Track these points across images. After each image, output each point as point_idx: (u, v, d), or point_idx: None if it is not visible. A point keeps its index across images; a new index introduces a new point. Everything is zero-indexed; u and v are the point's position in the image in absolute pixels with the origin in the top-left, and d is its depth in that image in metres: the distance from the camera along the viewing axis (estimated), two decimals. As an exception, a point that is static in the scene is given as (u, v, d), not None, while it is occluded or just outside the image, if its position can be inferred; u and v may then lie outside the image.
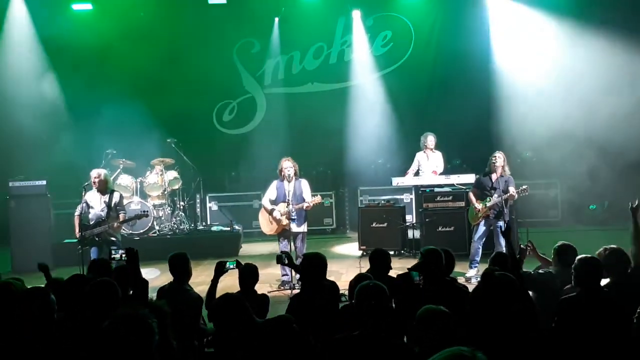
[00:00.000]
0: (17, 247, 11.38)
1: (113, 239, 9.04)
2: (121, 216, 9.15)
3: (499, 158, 9.36)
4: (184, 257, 5.80)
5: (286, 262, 6.65)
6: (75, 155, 12.73)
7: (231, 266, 5.76)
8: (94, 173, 9.27)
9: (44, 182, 11.61)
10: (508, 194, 9.02)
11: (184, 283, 5.75)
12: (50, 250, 11.35)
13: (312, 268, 5.40)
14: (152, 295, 5.69)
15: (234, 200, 14.20)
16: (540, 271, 5.77)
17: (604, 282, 4.91)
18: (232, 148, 14.69)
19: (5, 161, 13.10)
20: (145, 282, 4.91)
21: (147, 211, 10.34)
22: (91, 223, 9.05)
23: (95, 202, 9.14)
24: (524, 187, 9.15)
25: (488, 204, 9.23)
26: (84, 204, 9.21)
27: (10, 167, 12.61)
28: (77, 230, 9.09)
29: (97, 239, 8.94)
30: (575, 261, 4.80)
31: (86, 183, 9.45)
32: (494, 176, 9.38)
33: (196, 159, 13.23)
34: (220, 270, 5.72)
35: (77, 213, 9.22)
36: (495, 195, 9.19)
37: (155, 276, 10.18)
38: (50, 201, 11.67)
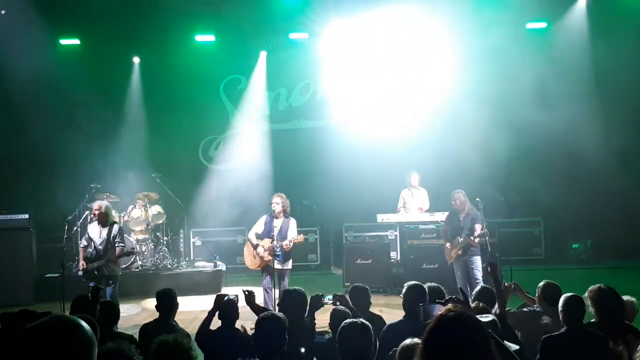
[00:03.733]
0: (-2, 281, 11.21)
1: (114, 270, 8.88)
2: (117, 250, 8.91)
3: (458, 199, 9.75)
4: (172, 294, 5.74)
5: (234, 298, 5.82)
6: (59, 189, 12.65)
7: (230, 297, 5.64)
8: (95, 205, 9.19)
9: (27, 216, 11.51)
10: (469, 239, 9.44)
11: (170, 319, 5.67)
12: (32, 285, 11.21)
13: (292, 304, 5.35)
14: (134, 332, 5.64)
15: (217, 236, 14.12)
16: (524, 309, 5.78)
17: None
18: (217, 183, 14.67)
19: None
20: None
21: (134, 249, 10.04)
22: (92, 257, 8.86)
23: (95, 235, 8.95)
24: (482, 232, 9.41)
25: (457, 245, 9.62)
26: (87, 236, 9.08)
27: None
28: (80, 262, 8.99)
29: (96, 272, 8.74)
30: (560, 300, 4.84)
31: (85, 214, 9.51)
32: (461, 215, 9.77)
33: (181, 194, 13.21)
34: (219, 303, 5.58)
35: (82, 245, 9.16)
36: (464, 234, 9.56)
37: (136, 312, 10.07)
38: (32, 235, 11.55)
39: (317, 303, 5.54)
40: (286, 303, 5.46)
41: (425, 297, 5.18)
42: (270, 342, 4.10)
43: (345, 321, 4.12)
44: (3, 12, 12.70)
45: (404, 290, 5.33)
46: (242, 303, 5.72)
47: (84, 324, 2.16)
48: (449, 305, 2.58)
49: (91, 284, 8.37)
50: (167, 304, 5.66)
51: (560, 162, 13.56)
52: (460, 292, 3.88)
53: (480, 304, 5.19)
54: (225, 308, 5.50)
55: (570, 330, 4.64)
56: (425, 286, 5.37)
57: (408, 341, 3.31)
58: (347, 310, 5.29)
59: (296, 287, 5.67)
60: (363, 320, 4.13)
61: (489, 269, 5.96)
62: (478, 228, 9.51)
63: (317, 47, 14.34)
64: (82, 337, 2.14)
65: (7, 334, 4.30)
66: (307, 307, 5.47)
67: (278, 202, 9.18)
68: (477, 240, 9.42)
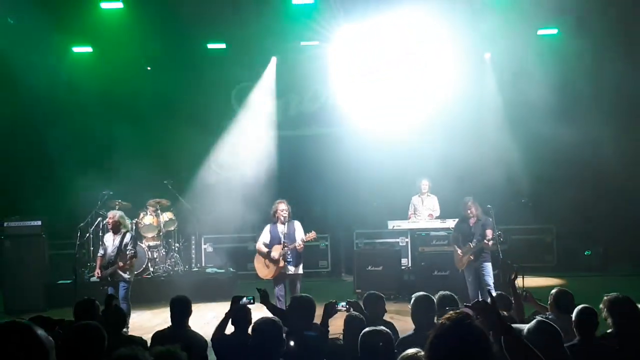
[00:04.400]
0: (10, 287, 11.28)
1: (126, 276, 9.14)
2: (128, 256, 9.22)
3: (470, 205, 9.68)
4: (186, 300, 5.75)
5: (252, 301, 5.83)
6: (72, 197, 12.73)
7: (247, 300, 5.67)
8: (110, 214, 9.60)
9: (39, 223, 11.58)
10: (482, 242, 9.36)
11: (184, 325, 5.67)
12: (44, 291, 11.28)
13: (300, 310, 5.35)
14: (147, 338, 5.65)
15: (229, 242, 14.15)
16: (536, 317, 5.74)
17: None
18: (228, 189, 14.68)
19: (0, 201, 13.11)
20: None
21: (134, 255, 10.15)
22: (106, 264, 9.19)
23: (109, 243, 9.33)
24: (497, 233, 9.41)
25: (469, 251, 9.55)
26: (103, 245, 9.48)
27: (5, 207, 12.61)
28: (96, 270, 9.36)
29: (109, 279, 9.09)
30: (574, 311, 4.82)
31: (105, 222, 10.32)
32: (471, 221, 9.72)
33: (192, 201, 13.25)
34: (235, 304, 5.61)
35: (99, 254, 9.53)
36: (476, 240, 9.51)
37: (147, 318, 10.10)
38: (45, 242, 11.61)
39: (332, 310, 5.56)
40: (293, 308, 5.46)
41: (433, 307, 5.15)
42: (267, 346, 4.11)
43: (367, 329, 4.09)
44: None
45: (411, 302, 5.27)
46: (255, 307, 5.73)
47: (38, 330, 2.18)
48: (450, 313, 2.55)
49: (109, 290, 8.82)
50: (181, 310, 5.66)
51: (572, 169, 13.50)
52: (489, 294, 3.84)
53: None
54: (238, 313, 5.52)
55: (583, 341, 4.62)
56: (438, 295, 5.35)
57: (410, 351, 3.28)
58: (362, 317, 5.29)
59: (302, 294, 5.66)
60: (384, 328, 4.11)
61: (512, 276, 5.95)
62: (489, 233, 9.49)
63: (328, 53, 14.37)
64: (36, 344, 2.16)
65: None
66: (314, 313, 5.47)
67: (284, 209, 9.19)
68: (490, 243, 9.36)
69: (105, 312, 5.53)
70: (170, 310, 5.65)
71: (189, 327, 5.72)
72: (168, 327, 5.66)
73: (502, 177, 12.95)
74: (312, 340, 5.13)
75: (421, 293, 5.35)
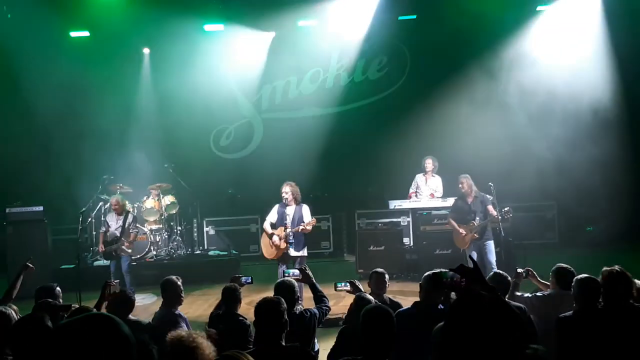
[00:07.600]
0: (15, 273, 11.27)
1: (128, 251, 10.33)
2: (132, 235, 10.41)
3: (464, 183, 9.71)
4: (172, 281, 5.84)
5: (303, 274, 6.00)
6: (73, 181, 12.73)
7: (245, 280, 5.82)
8: (113, 200, 10.58)
9: (41, 208, 11.59)
10: (491, 217, 9.39)
11: (173, 307, 5.77)
12: (48, 276, 11.28)
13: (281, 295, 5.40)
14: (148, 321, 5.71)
15: (231, 225, 14.18)
16: (538, 294, 5.77)
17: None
18: (229, 172, 14.69)
19: (2, 187, 13.12)
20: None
21: (137, 230, 10.99)
22: (109, 240, 10.34)
23: (113, 223, 10.50)
24: (506, 209, 9.34)
25: (473, 229, 9.43)
26: (105, 224, 10.62)
27: (7, 194, 12.62)
28: (100, 245, 10.56)
29: (114, 254, 10.26)
30: (574, 282, 4.83)
31: (106, 206, 11.51)
32: (468, 199, 9.73)
33: (193, 184, 13.25)
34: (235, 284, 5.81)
35: (101, 231, 10.72)
36: (478, 218, 9.53)
37: (152, 302, 10.14)
38: (47, 227, 11.64)
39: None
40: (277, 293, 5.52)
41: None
42: (270, 326, 4.11)
43: (369, 305, 4.13)
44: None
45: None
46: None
47: (123, 325, 2.00)
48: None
49: (111, 266, 10.35)
50: (168, 291, 5.78)
51: (572, 144, 13.44)
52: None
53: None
54: (225, 294, 5.70)
55: (584, 310, 4.62)
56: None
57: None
58: (370, 298, 5.33)
59: (284, 279, 5.68)
60: (383, 306, 4.15)
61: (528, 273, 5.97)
62: (491, 209, 9.50)
63: (326, 33, 14.26)
64: (121, 336, 1.95)
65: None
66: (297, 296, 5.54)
67: (287, 191, 9.20)
68: (500, 218, 9.33)
69: (100, 300, 5.53)
70: (161, 291, 5.87)
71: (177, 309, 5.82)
72: (160, 308, 5.87)
73: (502, 153, 12.93)
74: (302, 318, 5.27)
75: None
